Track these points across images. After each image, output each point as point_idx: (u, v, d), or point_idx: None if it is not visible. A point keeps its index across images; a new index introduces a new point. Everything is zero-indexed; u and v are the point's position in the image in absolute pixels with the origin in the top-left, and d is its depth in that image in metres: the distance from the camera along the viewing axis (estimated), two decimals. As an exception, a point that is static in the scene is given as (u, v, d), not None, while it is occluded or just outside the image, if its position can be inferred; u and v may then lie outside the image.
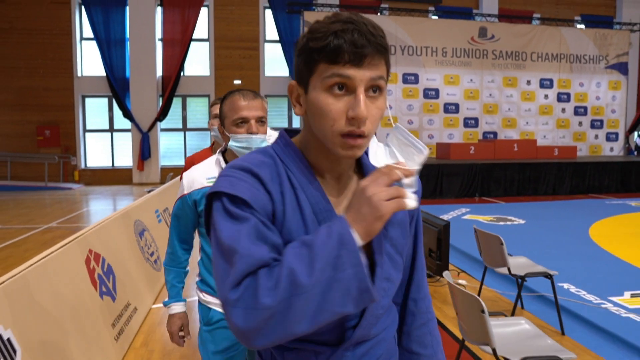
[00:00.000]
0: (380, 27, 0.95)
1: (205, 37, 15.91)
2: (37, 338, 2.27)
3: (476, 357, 3.27)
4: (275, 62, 16.25)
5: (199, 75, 15.93)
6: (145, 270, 4.46)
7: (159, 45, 15.51)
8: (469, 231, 6.19)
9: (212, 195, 0.95)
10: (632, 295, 4.24)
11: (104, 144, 16.02)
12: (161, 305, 4.23)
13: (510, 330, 2.62)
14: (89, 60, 15.61)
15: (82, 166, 15.67)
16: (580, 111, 16.67)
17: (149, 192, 6.65)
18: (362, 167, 1.09)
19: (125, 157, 15.92)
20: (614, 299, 4.16)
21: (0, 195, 12.46)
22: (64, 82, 15.25)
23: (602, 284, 4.57)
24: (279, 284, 0.82)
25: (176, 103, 15.88)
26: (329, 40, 0.89)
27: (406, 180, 0.87)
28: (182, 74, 15.62)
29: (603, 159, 13.66)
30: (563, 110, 16.53)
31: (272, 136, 3.32)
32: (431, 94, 15.42)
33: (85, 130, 15.82)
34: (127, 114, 15.31)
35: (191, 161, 2.71)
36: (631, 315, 3.77)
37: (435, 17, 15.98)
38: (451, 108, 15.64)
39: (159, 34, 15.49)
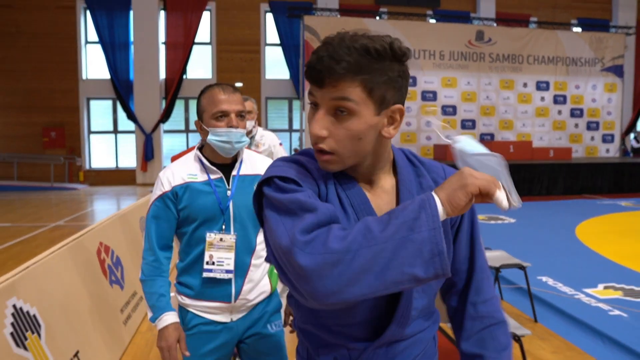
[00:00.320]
0: (363, 46, 0.93)
1: (208, 40, 16.22)
2: (58, 316, 2.57)
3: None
4: (276, 65, 16.54)
5: (202, 78, 16.21)
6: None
7: (162, 49, 15.80)
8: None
9: (263, 183, 1.00)
10: (605, 288, 4.53)
11: (108, 145, 16.34)
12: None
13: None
14: (94, 64, 15.91)
15: (87, 167, 15.99)
16: (576, 113, 16.89)
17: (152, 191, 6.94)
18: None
19: (128, 158, 16.24)
20: (588, 290, 4.45)
21: (7, 195, 12.79)
22: (69, 84, 15.54)
23: (578, 277, 4.86)
24: (351, 235, 0.85)
25: (179, 105, 16.19)
26: (309, 61, 0.96)
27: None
28: (184, 76, 15.92)
29: (597, 160, 13.92)
30: (559, 112, 16.75)
31: (264, 136, 3.61)
32: (429, 96, 15.67)
33: (90, 132, 16.15)
34: (131, 116, 15.62)
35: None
36: (600, 305, 4.06)
37: (433, 21, 16.26)
38: (449, 110, 15.89)
39: (162, 37, 15.77)
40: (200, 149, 1.89)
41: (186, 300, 1.84)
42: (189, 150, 2.23)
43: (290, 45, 15.95)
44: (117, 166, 16.34)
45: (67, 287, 2.82)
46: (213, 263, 1.78)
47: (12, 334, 2.13)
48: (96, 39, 15.46)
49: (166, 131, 16.32)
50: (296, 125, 16.79)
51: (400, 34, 15.18)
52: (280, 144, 3.74)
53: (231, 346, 1.88)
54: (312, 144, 0.99)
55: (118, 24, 15.45)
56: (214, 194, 1.79)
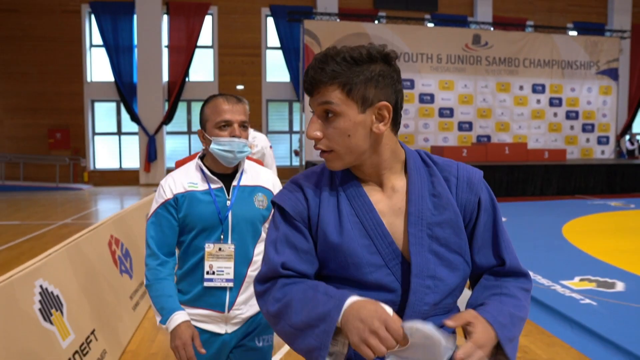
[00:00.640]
0: (340, 56, 1.07)
1: (210, 44, 16.53)
2: (77, 297, 2.90)
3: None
4: (276, 68, 16.85)
5: (204, 80, 16.51)
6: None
7: (165, 52, 16.10)
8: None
9: (273, 202, 1.20)
10: (581, 280, 4.84)
11: (112, 146, 16.66)
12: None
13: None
14: (98, 67, 16.22)
15: (91, 167, 16.31)
16: (571, 115, 17.10)
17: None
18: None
19: (132, 159, 16.55)
20: (564, 282, 4.76)
21: (14, 195, 13.13)
22: (74, 87, 15.82)
23: (557, 270, 5.18)
24: (279, 302, 1.07)
25: (181, 107, 16.50)
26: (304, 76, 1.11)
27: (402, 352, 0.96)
28: (187, 79, 16.23)
29: (590, 161, 14.16)
30: (555, 114, 16.96)
31: (256, 137, 3.90)
32: (426, 98, 15.91)
33: (94, 133, 16.47)
34: (134, 118, 15.93)
35: (182, 164, 2.87)
36: (574, 295, 4.37)
37: (431, 25, 16.54)
38: (446, 112, 16.12)
39: (165, 41, 16.08)
40: (202, 158, 1.90)
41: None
42: (193, 156, 2.26)
43: (290, 49, 16.26)
44: (120, 167, 16.67)
45: (84, 273, 3.14)
46: (213, 272, 1.80)
47: (40, 309, 2.45)
48: (101, 42, 15.79)
49: (169, 133, 16.64)
50: (296, 127, 17.09)
51: (398, 37, 15.45)
52: (270, 147, 4.00)
53: (223, 357, 1.88)
54: (314, 146, 1.13)
55: (122, 28, 15.76)
56: (214, 203, 1.79)
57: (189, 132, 16.84)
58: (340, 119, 1.07)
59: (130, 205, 5.22)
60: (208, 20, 16.36)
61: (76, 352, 2.65)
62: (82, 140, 16.07)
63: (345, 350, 1.01)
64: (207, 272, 1.79)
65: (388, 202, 1.14)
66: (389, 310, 0.97)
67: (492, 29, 16.61)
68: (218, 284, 1.79)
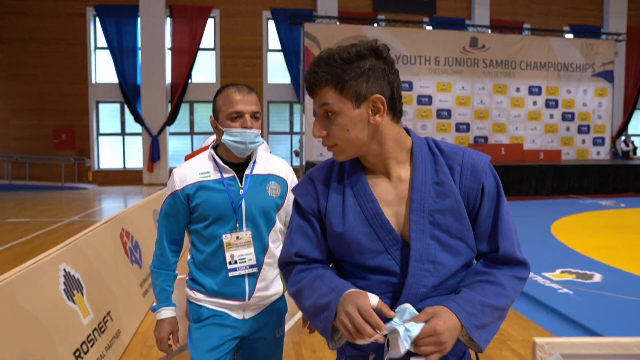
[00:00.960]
0: (331, 58, 1.14)
1: (212, 46, 16.81)
2: (95, 281, 3.21)
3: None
4: (277, 70, 17.13)
5: (206, 82, 16.79)
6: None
7: (168, 54, 16.36)
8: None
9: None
10: (562, 272, 5.14)
11: (116, 146, 16.95)
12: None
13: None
14: (103, 68, 16.49)
15: (96, 167, 16.60)
16: (567, 117, 17.33)
17: (161, 190, 7.57)
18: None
19: (135, 159, 16.84)
20: (546, 274, 5.07)
21: (20, 194, 13.45)
22: (78, 88, 16.12)
23: (541, 263, 5.48)
24: (296, 286, 1.24)
25: (184, 109, 16.78)
26: None
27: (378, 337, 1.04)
28: (189, 81, 16.52)
29: (584, 162, 14.39)
30: (551, 116, 17.21)
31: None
32: (424, 100, 16.15)
33: (98, 134, 16.76)
34: (138, 119, 16.22)
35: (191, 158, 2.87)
36: (553, 285, 4.68)
37: (429, 28, 16.79)
38: (443, 114, 16.37)
39: (168, 43, 16.34)
40: (215, 148, 1.91)
41: (198, 296, 1.86)
42: (202, 149, 2.28)
43: (291, 51, 16.54)
44: (124, 167, 16.96)
45: (101, 260, 3.45)
46: (236, 262, 1.81)
47: (64, 290, 2.76)
48: (105, 44, 16.10)
49: (172, 133, 16.92)
50: (297, 128, 17.37)
51: (397, 40, 15.69)
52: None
53: (237, 342, 1.89)
54: (322, 142, 1.24)
55: (126, 31, 16.05)
56: (227, 192, 1.80)
57: (192, 132, 17.13)
58: (338, 116, 1.15)
59: (138, 202, 5.53)
60: (210, 23, 16.65)
61: (95, 329, 2.97)
62: (86, 140, 16.36)
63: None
64: (230, 263, 1.81)
65: (394, 192, 1.20)
66: (373, 298, 1.07)
67: (489, 31, 16.84)
68: (243, 272, 1.82)
